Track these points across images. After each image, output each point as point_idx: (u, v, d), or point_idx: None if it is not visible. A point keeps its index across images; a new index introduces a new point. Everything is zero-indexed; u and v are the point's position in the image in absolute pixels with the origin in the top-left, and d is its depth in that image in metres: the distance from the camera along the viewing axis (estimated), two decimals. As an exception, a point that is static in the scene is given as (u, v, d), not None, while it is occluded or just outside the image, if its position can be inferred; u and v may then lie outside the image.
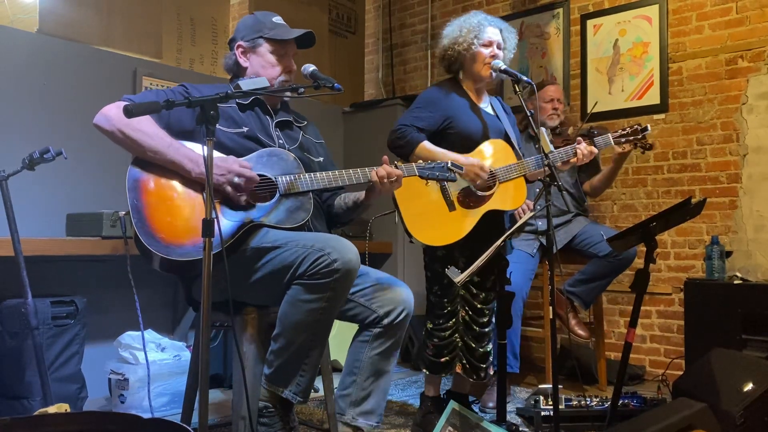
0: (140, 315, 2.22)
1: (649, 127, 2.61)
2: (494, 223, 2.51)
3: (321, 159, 2.26)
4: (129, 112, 1.57)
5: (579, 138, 2.53)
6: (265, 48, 2.14)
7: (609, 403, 2.42)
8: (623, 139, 2.59)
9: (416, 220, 2.38)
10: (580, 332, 3.24)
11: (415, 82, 4.95)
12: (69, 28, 3.16)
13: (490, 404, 2.93)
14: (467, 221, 2.41)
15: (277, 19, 2.20)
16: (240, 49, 2.16)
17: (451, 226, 2.39)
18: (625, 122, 3.87)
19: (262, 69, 2.13)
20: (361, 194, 2.16)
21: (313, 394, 1.99)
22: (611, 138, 2.58)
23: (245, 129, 2.05)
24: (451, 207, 2.41)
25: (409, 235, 2.38)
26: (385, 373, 1.99)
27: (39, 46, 2.97)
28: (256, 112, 2.14)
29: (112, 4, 3.36)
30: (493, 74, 2.52)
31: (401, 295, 2.00)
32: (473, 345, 2.57)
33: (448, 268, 2.12)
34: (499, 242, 2.13)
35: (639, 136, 2.58)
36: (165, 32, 3.60)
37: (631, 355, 3.09)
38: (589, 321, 3.48)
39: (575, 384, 3.43)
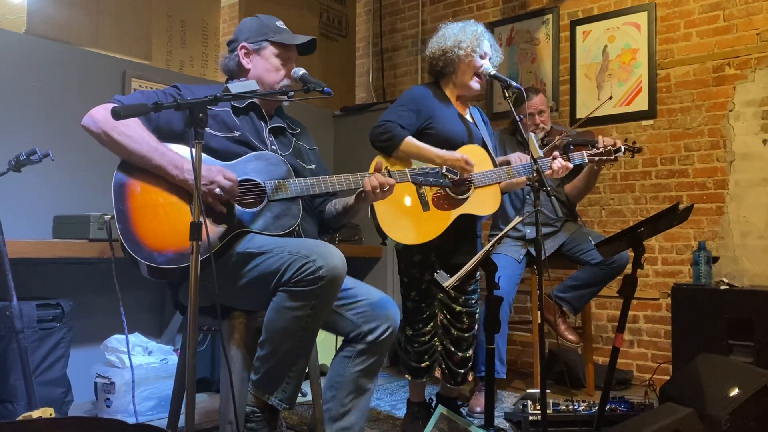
0: (125, 319, 2.20)
1: (623, 149, 2.74)
2: (468, 228, 2.52)
3: (313, 166, 2.23)
4: (117, 115, 1.55)
5: (555, 154, 2.57)
6: (270, 51, 2.12)
7: (596, 407, 2.43)
8: (597, 158, 2.70)
9: (390, 219, 2.36)
10: (570, 337, 3.24)
11: (405, 87, 4.95)
12: (57, 29, 3.14)
13: (478, 409, 2.94)
14: (441, 222, 2.41)
15: (281, 24, 2.18)
16: (243, 51, 2.13)
17: (425, 226, 2.38)
18: (613, 129, 3.91)
19: (266, 72, 2.11)
20: (351, 199, 2.14)
21: (300, 399, 1.97)
22: (586, 156, 2.69)
23: (236, 133, 2.02)
24: (425, 207, 2.40)
25: (383, 235, 2.36)
26: (366, 391, 1.97)
27: (27, 47, 2.95)
28: (251, 116, 2.11)
29: (102, 6, 3.34)
30: (477, 87, 2.53)
31: (387, 312, 1.97)
32: (452, 349, 2.56)
33: (437, 273, 2.12)
34: (489, 246, 2.13)
35: (612, 157, 2.71)
36: (155, 34, 3.58)
37: (619, 360, 3.11)
38: (575, 326, 3.49)
39: (563, 389, 3.43)
